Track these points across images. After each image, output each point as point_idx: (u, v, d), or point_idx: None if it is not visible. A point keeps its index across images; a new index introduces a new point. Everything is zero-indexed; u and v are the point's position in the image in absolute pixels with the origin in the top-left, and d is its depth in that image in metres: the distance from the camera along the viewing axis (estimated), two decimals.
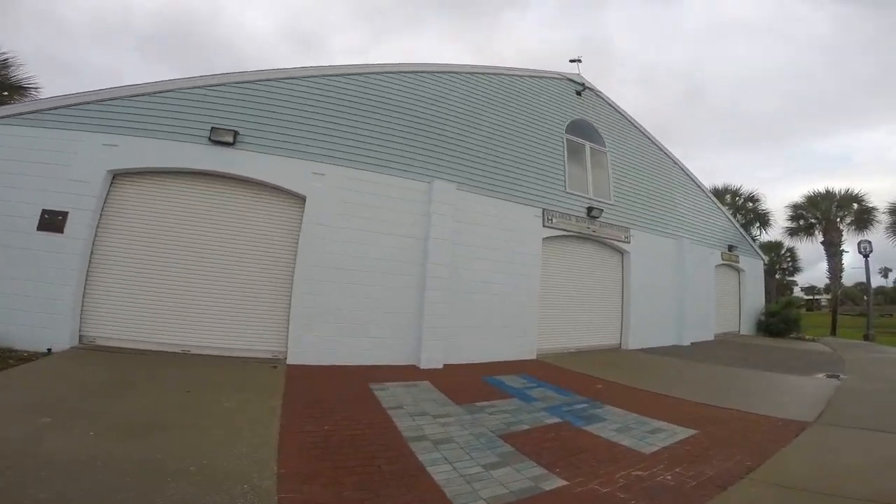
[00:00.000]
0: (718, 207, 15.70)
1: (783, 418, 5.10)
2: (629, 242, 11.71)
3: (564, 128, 11.23)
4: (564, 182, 10.83)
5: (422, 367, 7.51)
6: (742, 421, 5.08)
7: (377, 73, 8.47)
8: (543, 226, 10.15)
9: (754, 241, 22.15)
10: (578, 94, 11.82)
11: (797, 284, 50.61)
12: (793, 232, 22.92)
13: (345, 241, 7.55)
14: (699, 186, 14.73)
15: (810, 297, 48.82)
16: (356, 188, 7.76)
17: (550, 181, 10.54)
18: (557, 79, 11.60)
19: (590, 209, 10.96)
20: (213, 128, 6.93)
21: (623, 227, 11.67)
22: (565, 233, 10.57)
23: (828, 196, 21.45)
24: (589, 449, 4.08)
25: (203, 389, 5.00)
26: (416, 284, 8.01)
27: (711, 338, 13.97)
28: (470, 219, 8.87)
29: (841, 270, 21.53)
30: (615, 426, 4.81)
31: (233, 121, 7.13)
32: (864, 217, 20.67)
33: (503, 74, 10.40)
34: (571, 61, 12.27)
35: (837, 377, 7.80)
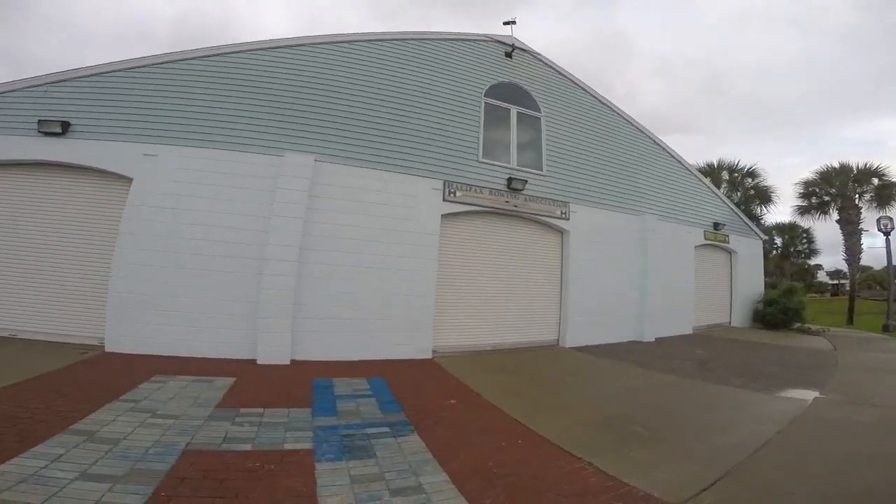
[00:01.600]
0: (700, 180, 12.82)
1: (646, 495, 2.73)
2: (568, 219, 9.27)
3: (484, 92, 9.07)
4: (478, 150, 8.62)
5: (260, 361, 6.13)
6: (565, 495, 2.76)
7: (235, 53, 7.19)
8: (444, 200, 8.00)
9: (759, 220, 18.91)
10: (508, 55, 9.62)
11: (822, 268, 45.26)
12: (804, 210, 19.39)
13: (177, 222, 6.42)
14: (673, 156, 11.99)
15: (835, 282, 43.28)
16: (194, 167, 6.60)
17: (458, 149, 8.44)
18: (483, 41, 9.49)
19: (510, 180, 8.61)
20: (40, 120, 6.38)
21: (559, 201, 9.25)
22: (476, 208, 8.34)
23: (843, 171, 17.90)
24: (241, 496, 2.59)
25: None
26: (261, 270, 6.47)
27: (689, 331, 11.30)
28: (337, 194, 7.12)
29: (860, 252, 17.91)
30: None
31: (69, 112, 6.55)
32: (884, 193, 17.08)
33: (409, 40, 8.45)
34: (505, 23, 10.13)
35: (812, 396, 5.21)
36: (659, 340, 9.95)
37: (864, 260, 19.48)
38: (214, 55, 7.03)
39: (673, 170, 11.89)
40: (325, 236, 6.83)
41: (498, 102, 9.18)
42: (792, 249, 23.94)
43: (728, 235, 13.17)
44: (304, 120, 7.15)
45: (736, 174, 18.47)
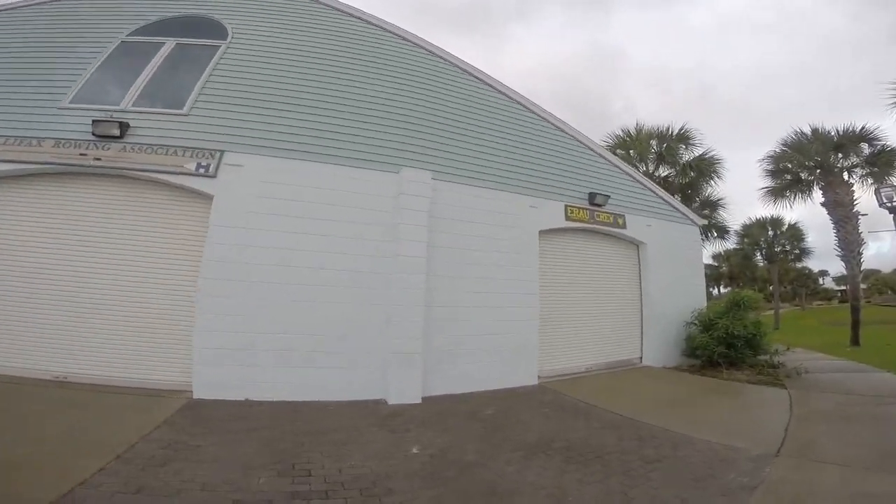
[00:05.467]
0: (553, 124, 7.84)
1: None
2: (214, 176, 4.93)
3: (128, 32, 5.90)
4: (67, 94, 4.90)
5: None
6: None
7: None
8: None
9: (717, 206, 13.44)
10: None
11: (828, 274, 36.30)
12: (775, 193, 13.54)
13: None
14: (494, 87, 7.40)
15: (843, 288, 33.58)
16: None
17: (28, 97, 5.01)
18: None
19: (95, 123, 4.45)
20: None
21: (202, 148, 4.95)
22: (31, 167, 4.36)
23: (818, 138, 12.22)
24: None
25: None
26: None
27: (532, 382, 6.34)
28: None
29: (859, 242, 11.90)
30: None
31: None
32: (881, 160, 11.38)
33: None
34: None
35: None
36: (427, 402, 5.12)
37: (871, 263, 13.20)
38: None
39: (498, 107, 7.29)
40: None
41: (146, 38, 5.80)
42: (778, 250, 17.51)
43: (623, 216, 8.15)
44: None
45: (665, 143, 12.78)
